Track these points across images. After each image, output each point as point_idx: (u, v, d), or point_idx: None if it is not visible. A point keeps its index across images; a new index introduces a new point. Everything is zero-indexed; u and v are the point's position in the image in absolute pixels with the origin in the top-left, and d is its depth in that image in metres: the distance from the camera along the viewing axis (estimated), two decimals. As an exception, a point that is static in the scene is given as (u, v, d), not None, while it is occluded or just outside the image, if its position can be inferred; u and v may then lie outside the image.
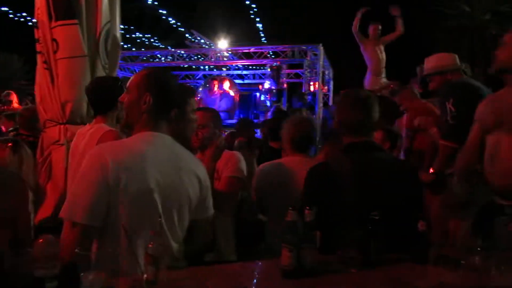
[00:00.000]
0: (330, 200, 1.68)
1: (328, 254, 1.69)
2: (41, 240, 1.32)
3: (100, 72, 3.70)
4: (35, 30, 3.52)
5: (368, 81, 6.99)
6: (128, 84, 1.76)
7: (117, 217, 1.48)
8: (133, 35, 18.61)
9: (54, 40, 3.35)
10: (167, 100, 1.68)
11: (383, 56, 6.97)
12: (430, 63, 3.41)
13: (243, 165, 2.41)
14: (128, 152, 1.54)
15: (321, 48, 11.95)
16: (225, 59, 14.45)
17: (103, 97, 2.66)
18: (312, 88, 11.82)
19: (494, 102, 2.20)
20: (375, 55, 6.92)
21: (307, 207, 1.60)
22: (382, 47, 6.98)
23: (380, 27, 6.92)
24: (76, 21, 3.34)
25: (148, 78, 1.69)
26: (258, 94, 12.67)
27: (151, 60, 14.47)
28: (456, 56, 3.31)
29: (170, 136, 1.68)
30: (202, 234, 1.77)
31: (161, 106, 1.66)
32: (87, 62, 3.47)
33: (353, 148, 1.80)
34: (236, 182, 2.34)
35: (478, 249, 1.54)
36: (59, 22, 3.33)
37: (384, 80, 6.95)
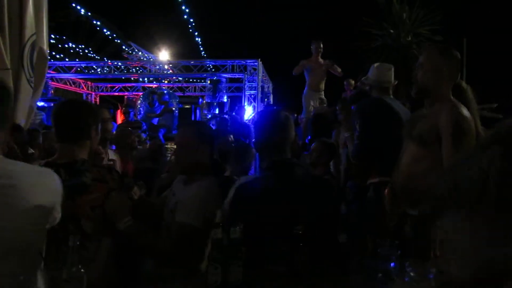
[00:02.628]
0: (255, 217, 1.73)
1: (255, 269, 1.73)
2: None
3: (25, 86, 3.52)
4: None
5: (305, 96, 7.13)
6: None
7: None
8: (66, 45, 17.81)
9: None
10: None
11: (323, 75, 7.08)
12: (374, 75, 3.26)
13: None
14: None
15: (259, 62, 12.24)
16: (165, 72, 14.29)
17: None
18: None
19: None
20: (314, 73, 7.02)
21: (233, 224, 1.63)
22: (324, 68, 7.05)
23: (321, 44, 6.98)
24: (-3, 33, 3.17)
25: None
26: (199, 107, 12.62)
27: (86, 71, 13.93)
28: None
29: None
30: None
31: None
32: (10, 76, 3.30)
33: (275, 165, 1.88)
34: None
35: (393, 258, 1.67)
36: (-22, 34, 3.14)
37: (321, 96, 7.13)
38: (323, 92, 7.17)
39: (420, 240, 2.07)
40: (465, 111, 2.06)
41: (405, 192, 2.18)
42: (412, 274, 1.62)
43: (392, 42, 8.61)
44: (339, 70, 7.02)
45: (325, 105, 6.63)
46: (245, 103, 11.93)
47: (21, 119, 3.51)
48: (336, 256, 1.81)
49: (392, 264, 1.70)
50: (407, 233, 2.15)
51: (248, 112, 11.68)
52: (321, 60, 7.05)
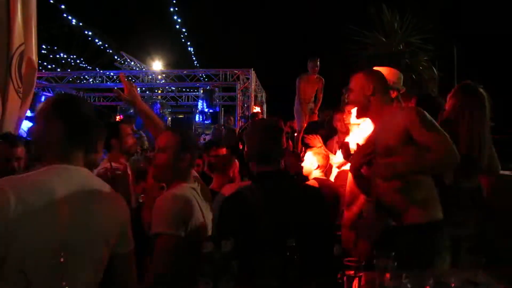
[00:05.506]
0: (246, 230, 1.68)
1: (246, 283, 1.68)
2: None
3: (13, 96, 3.46)
4: None
5: (296, 107, 7.25)
6: (36, 112, 1.62)
7: (14, 260, 1.28)
8: (58, 56, 17.75)
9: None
10: (82, 129, 1.51)
11: (313, 92, 7.24)
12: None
13: None
14: (33, 187, 1.34)
15: (252, 72, 12.27)
16: (157, 81, 14.27)
17: None
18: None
19: None
20: (306, 89, 7.18)
21: (224, 238, 1.59)
22: (316, 86, 7.22)
23: (318, 63, 7.12)
24: (-16, 43, 3.12)
25: (58, 104, 1.51)
26: (191, 116, 12.60)
27: (78, 81, 13.87)
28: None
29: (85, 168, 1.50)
30: (120, 273, 1.58)
31: (75, 135, 1.49)
32: (-3, 87, 3.24)
33: (264, 177, 1.84)
34: None
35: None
36: (-35, 44, 3.09)
37: (311, 106, 7.24)
38: (312, 102, 7.30)
39: (410, 251, 2.05)
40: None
41: (385, 205, 2.18)
42: (409, 286, 1.59)
43: (383, 51, 8.65)
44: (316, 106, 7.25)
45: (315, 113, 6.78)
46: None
47: (9, 130, 3.44)
48: (330, 269, 1.76)
49: (387, 276, 1.66)
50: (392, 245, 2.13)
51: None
52: (315, 78, 7.23)
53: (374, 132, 2.35)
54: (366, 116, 2.38)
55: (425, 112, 2.08)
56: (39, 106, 1.62)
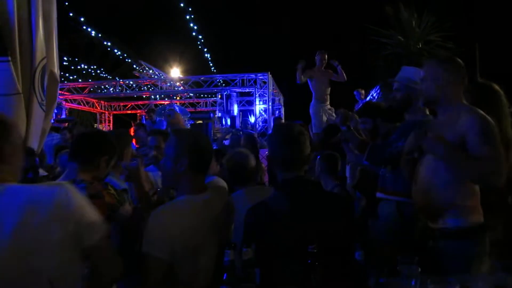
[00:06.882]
0: (268, 237, 1.68)
1: (269, 291, 1.67)
2: None
3: (37, 109, 3.56)
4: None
5: (312, 108, 7.18)
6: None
7: None
8: (79, 67, 18.18)
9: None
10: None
11: (327, 85, 7.18)
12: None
13: None
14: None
15: (269, 75, 12.26)
16: (176, 88, 14.42)
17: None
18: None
19: None
20: (319, 83, 7.12)
21: (245, 246, 1.59)
22: (327, 78, 7.16)
23: (326, 56, 7.11)
24: (8, 58, 3.21)
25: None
26: (210, 122, 12.66)
27: (99, 91, 14.15)
28: None
29: None
30: (102, 265, 1.46)
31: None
32: (22, 100, 3.34)
33: (287, 183, 1.83)
34: None
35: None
36: (-9, 60, 3.19)
37: (328, 107, 7.17)
38: (328, 103, 7.23)
39: (443, 255, 2.00)
40: (481, 111, 2.01)
41: (425, 206, 2.11)
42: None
43: (402, 50, 8.55)
44: (343, 73, 7.07)
45: (333, 116, 6.66)
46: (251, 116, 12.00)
47: (34, 142, 3.54)
48: (353, 275, 1.74)
49: (412, 282, 1.63)
50: (430, 247, 2.07)
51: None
52: (323, 70, 7.16)
53: (437, 124, 2.20)
54: (434, 107, 2.22)
55: (489, 121, 1.95)
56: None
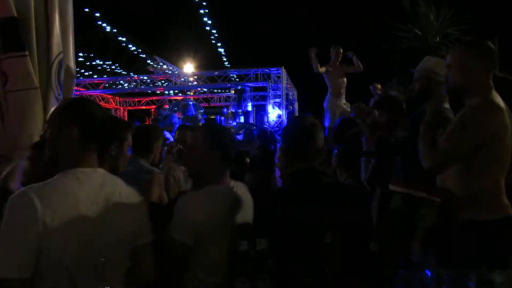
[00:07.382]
0: (281, 228, 1.68)
1: (283, 282, 1.67)
2: None
3: (54, 103, 3.60)
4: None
5: (327, 103, 7.11)
6: (49, 116, 1.67)
7: (58, 261, 1.37)
8: (94, 62, 18.39)
9: (3, 72, 3.25)
10: (96, 132, 1.55)
11: (343, 79, 7.10)
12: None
13: None
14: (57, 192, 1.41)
15: (283, 70, 12.23)
16: (189, 84, 14.49)
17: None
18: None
19: None
20: (335, 78, 7.04)
21: (259, 236, 1.59)
22: (343, 71, 7.08)
23: (341, 50, 7.03)
24: (26, 53, 3.25)
25: (72, 108, 1.55)
26: (224, 117, 12.70)
27: (114, 86, 14.31)
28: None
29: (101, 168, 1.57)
30: (138, 264, 1.60)
31: (89, 138, 1.53)
32: (39, 94, 3.38)
33: (300, 174, 1.82)
34: None
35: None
36: (8, 54, 3.24)
37: (344, 102, 7.09)
38: (344, 97, 7.15)
39: (465, 247, 1.94)
40: (497, 111, 1.94)
41: (451, 198, 2.06)
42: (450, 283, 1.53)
43: (419, 44, 8.41)
44: (358, 62, 6.98)
45: (349, 110, 6.56)
46: (269, 108, 11.94)
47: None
48: (368, 266, 1.72)
49: (428, 273, 1.61)
50: (449, 239, 2.03)
51: (273, 116, 11.66)
52: (339, 64, 7.07)
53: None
54: (460, 97, 2.09)
55: (479, 120, 1.92)
56: (52, 111, 1.64)
